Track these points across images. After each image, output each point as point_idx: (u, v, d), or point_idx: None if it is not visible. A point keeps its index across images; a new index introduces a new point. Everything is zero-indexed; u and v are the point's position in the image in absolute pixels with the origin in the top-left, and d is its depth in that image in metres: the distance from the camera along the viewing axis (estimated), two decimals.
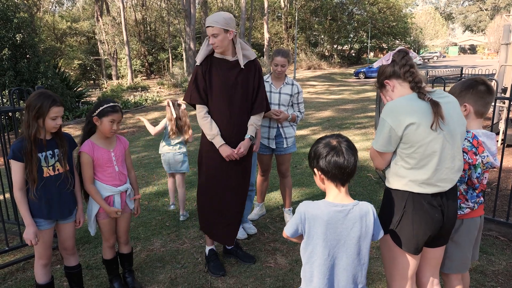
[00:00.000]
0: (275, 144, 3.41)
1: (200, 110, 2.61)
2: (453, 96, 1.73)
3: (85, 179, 2.36)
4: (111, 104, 2.33)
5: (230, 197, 2.72)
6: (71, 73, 31.34)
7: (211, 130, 2.58)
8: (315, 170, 1.53)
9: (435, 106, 1.57)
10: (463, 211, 1.87)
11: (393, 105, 1.62)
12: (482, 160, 1.83)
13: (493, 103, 4.11)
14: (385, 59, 1.74)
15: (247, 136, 2.68)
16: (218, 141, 2.59)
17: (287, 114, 3.33)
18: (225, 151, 2.59)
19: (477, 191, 1.87)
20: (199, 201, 2.80)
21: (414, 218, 1.65)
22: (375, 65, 1.84)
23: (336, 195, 1.52)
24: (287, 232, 1.58)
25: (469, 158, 1.82)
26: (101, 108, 2.31)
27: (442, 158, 1.61)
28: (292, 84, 3.38)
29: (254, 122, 2.72)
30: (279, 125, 3.38)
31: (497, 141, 6.09)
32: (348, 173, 1.48)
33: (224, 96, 2.60)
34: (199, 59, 2.62)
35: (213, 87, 2.60)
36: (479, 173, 1.83)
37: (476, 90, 1.86)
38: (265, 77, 3.40)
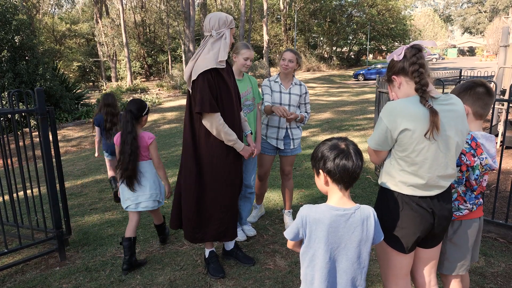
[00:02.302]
0: (283, 145, 3.41)
1: (220, 118, 2.54)
2: (461, 104, 1.67)
3: (160, 160, 3.02)
4: (148, 107, 3.01)
5: (231, 193, 2.74)
6: (70, 75, 31.37)
7: (231, 136, 2.58)
8: (321, 171, 1.50)
9: (433, 115, 1.53)
10: (461, 212, 1.87)
11: (393, 106, 1.60)
12: (480, 162, 1.83)
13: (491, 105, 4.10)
14: (396, 54, 1.68)
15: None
16: (240, 145, 2.65)
17: (297, 114, 3.29)
18: (247, 151, 2.71)
19: (475, 193, 1.88)
20: (199, 210, 2.70)
21: (402, 218, 1.66)
22: (388, 58, 1.77)
23: (338, 199, 1.51)
24: (287, 236, 1.56)
25: (467, 160, 1.82)
26: (146, 110, 2.98)
27: (433, 166, 1.60)
28: (300, 85, 3.40)
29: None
30: (288, 126, 3.37)
31: (496, 143, 6.10)
32: (354, 177, 1.47)
33: (230, 99, 2.64)
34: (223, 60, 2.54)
35: (223, 90, 2.59)
36: (477, 175, 1.84)
37: (474, 91, 1.87)
38: (273, 77, 3.41)
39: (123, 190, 2.96)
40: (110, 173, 4.86)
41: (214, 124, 2.51)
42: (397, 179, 1.65)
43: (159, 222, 3.31)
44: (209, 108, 2.47)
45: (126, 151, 2.82)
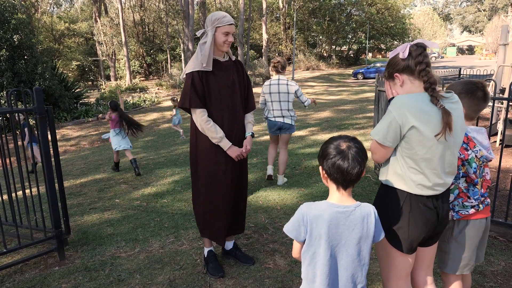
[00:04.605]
0: None
1: (202, 114, 2.57)
2: (460, 102, 1.67)
3: None
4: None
5: (235, 194, 2.76)
6: (69, 74, 31.34)
7: (217, 134, 2.57)
8: (320, 168, 1.52)
9: (447, 116, 1.51)
10: (467, 211, 1.85)
11: (404, 101, 1.56)
12: (476, 155, 1.83)
13: (491, 104, 4.12)
14: (401, 51, 1.62)
15: (248, 134, 2.77)
16: (226, 143, 2.60)
17: None
18: (234, 151, 2.63)
19: (478, 188, 1.86)
20: (200, 207, 2.76)
21: (410, 219, 1.64)
22: (390, 55, 1.71)
23: (338, 196, 1.51)
24: (289, 233, 1.53)
25: (460, 154, 1.82)
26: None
27: (441, 164, 1.59)
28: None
29: (251, 120, 2.83)
30: None
31: (495, 141, 6.09)
32: (350, 180, 1.46)
33: (224, 97, 2.63)
34: (208, 63, 2.56)
35: (212, 89, 2.60)
36: (475, 168, 1.83)
37: (474, 96, 1.85)
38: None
39: (115, 139, 6.16)
40: (39, 158, 7.17)
41: (198, 120, 2.58)
42: (407, 178, 1.62)
43: (131, 157, 6.07)
44: (189, 103, 2.54)
45: (126, 122, 6.08)
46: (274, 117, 4.60)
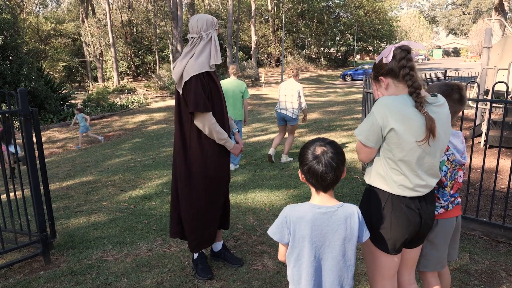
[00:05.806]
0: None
1: (212, 117, 2.55)
2: (447, 105, 1.67)
3: None
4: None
5: (224, 192, 2.80)
6: (56, 76, 30.84)
7: (223, 135, 2.60)
8: (299, 171, 1.54)
9: (430, 123, 1.52)
10: (437, 211, 1.88)
11: (387, 103, 1.56)
12: (448, 158, 1.86)
13: (475, 105, 4.19)
14: (385, 55, 1.62)
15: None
16: (231, 143, 2.68)
17: None
18: (237, 148, 2.75)
19: (448, 190, 1.89)
20: (198, 218, 2.67)
21: (392, 220, 1.65)
22: (377, 60, 1.70)
23: (319, 198, 1.52)
24: (272, 235, 1.54)
25: None
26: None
27: (420, 166, 1.60)
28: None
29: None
30: None
31: (480, 142, 6.21)
32: (326, 185, 1.48)
33: (220, 99, 2.68)
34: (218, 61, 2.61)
35: (213, 92, 2.62)
36: (445, 171, 1.86)
37: (450, 98, 1.87)
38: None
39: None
40: None
41: (207, 123, 2.53)
42: (389, 178, 1.63)
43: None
44: (203, 107, 2.49)
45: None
46: (280, 109, 5.82)
